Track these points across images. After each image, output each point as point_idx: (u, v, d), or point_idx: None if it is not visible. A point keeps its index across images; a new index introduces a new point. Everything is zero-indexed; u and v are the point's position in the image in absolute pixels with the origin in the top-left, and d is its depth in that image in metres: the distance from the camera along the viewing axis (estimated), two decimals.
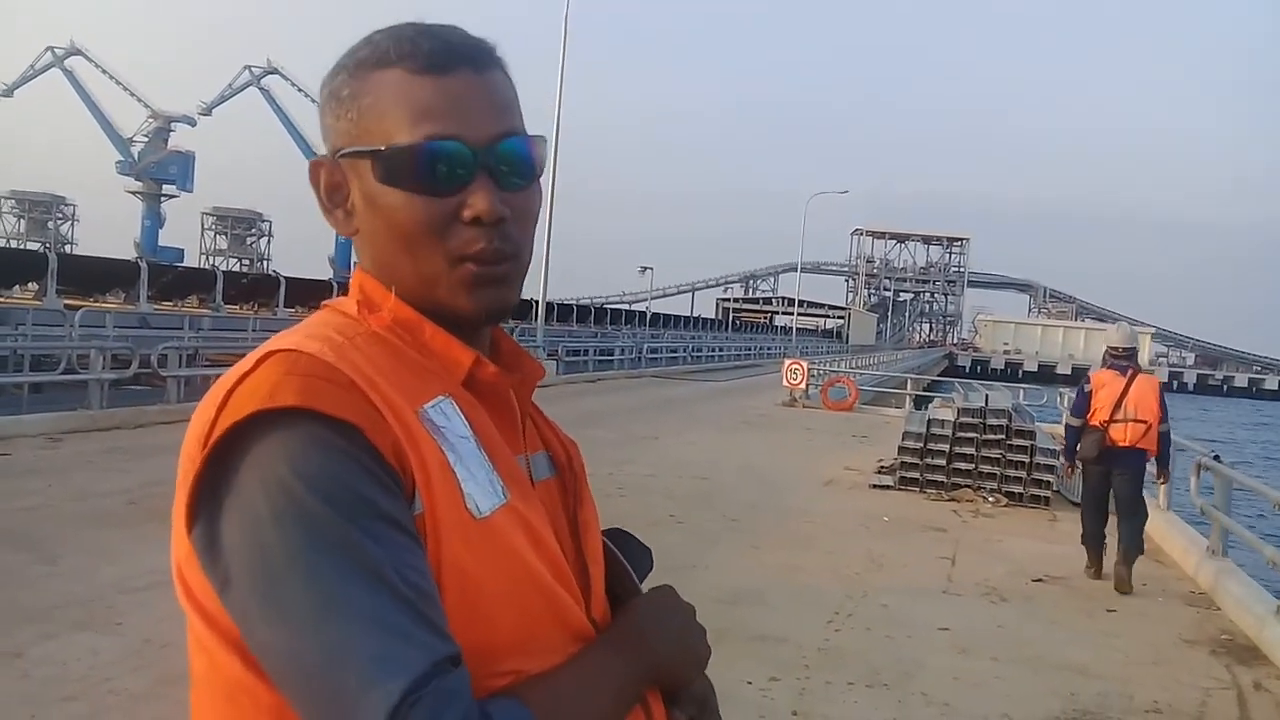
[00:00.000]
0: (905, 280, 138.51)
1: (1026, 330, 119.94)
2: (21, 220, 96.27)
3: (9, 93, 73.96)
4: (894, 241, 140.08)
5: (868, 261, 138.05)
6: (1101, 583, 7.75)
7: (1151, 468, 8.39)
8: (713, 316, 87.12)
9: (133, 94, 77.33)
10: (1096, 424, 7.87)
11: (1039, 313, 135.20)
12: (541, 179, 0.98)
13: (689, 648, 1.02)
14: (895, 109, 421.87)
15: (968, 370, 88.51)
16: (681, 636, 1.02)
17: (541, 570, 0.91)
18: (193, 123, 78.42)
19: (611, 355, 31.87)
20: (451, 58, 0.93)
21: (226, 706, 0.86)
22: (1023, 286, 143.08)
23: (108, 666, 4.61)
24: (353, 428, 0.82)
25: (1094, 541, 8.00)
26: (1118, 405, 7.79)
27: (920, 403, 21.56)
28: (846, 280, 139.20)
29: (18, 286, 24.86)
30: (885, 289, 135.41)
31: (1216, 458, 8.89)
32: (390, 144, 0.91)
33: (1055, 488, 11.51)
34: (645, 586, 1.08)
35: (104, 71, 75.83)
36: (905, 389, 27.70)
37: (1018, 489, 11.21)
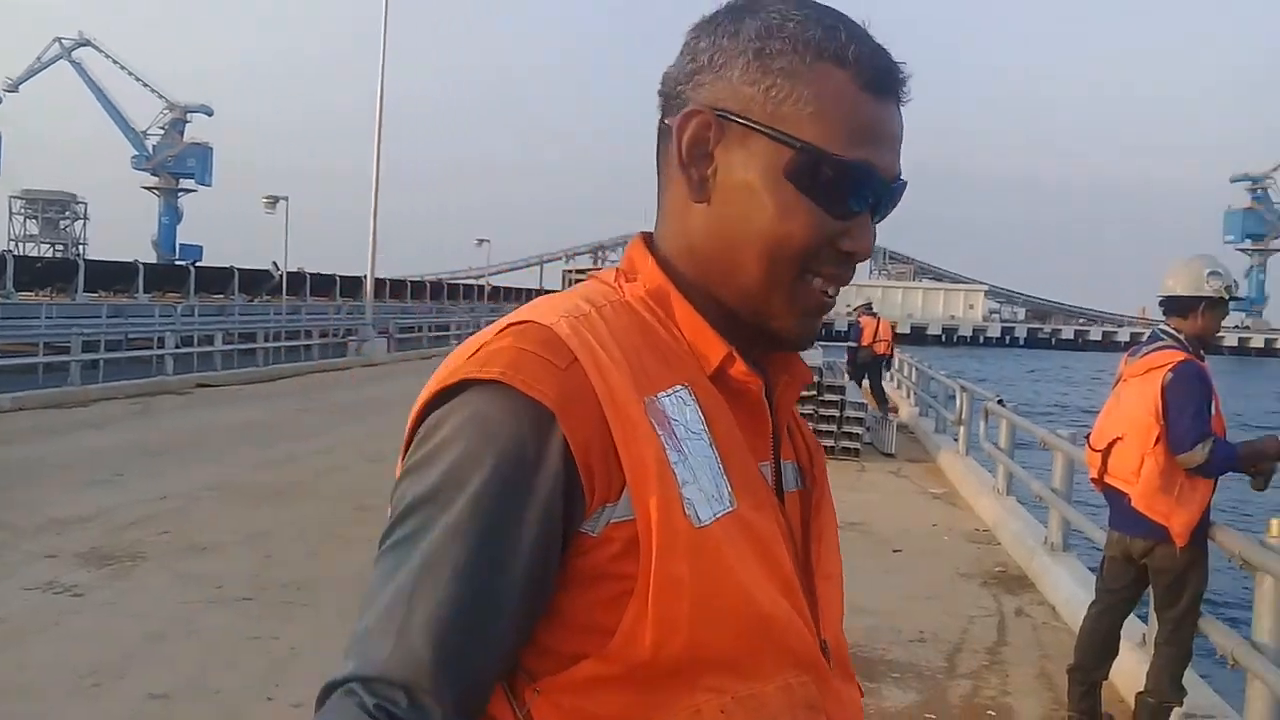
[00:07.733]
0: None
1: (868, 292, 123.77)
2: None
3: None
4: None
5: None
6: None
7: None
8: (559, 288, 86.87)
9: None
10: (866, 344, 15.93)
11: (880, 274, 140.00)
12: None
13: None
14: None
15: None
16: None
17: (760, 588, 0.82)
18: None
19: (447, 330, 31.49)
20: (890, 83, 0.88)
21: None
22: None
23: None
24: (546, 411, 0.78)
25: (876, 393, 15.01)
26: (874, 332, 15.96)
27: None
28: None
29: None
30: None
31: (1001, 401, 9.29)
32: (822, 146, 0.84)
33: (866, 439, 11.85)
34: None
35: None
36: None
37: (829, 442, 11.50)
